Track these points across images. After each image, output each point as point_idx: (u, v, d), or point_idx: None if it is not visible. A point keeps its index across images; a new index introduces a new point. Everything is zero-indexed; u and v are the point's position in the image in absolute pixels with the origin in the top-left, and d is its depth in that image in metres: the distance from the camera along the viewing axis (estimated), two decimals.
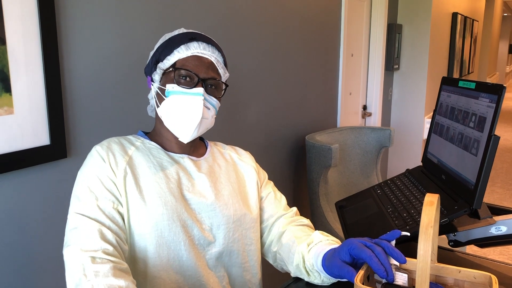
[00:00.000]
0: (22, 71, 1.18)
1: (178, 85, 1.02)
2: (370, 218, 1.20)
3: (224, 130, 1.99)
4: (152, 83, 1.08)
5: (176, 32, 1.08)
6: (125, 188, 0.97)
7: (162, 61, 1.05)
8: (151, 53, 1.10)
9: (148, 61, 1.11)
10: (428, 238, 0.73)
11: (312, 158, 2.44)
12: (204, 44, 1.05)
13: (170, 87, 1.03)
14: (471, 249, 2.96)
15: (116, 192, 0.97)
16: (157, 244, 0.97)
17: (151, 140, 1.10)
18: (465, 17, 5.47)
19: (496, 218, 1.07)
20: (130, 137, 1.09)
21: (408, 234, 0.89)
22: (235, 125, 2.06)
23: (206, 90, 1.03)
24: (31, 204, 1.25)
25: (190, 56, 1.03)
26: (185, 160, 1.08)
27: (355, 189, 2.81)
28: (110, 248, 0.90)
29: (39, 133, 1.24)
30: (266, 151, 2.32)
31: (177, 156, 1.08)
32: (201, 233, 1.02)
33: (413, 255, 0.83)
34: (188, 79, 1.03)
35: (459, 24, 5.09)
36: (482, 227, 1.06)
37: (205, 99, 1.02)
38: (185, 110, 1.01)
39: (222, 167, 1.14)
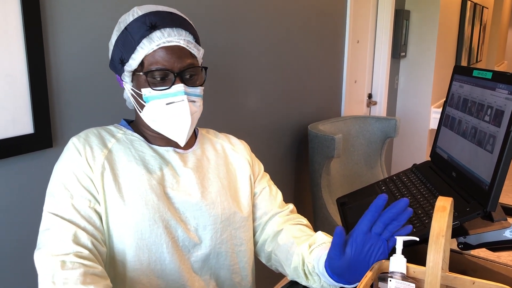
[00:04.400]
0: (1, 52, 1.09)
1: (153, 88, 0.91)
2: None
3: (224, 118, 1.91)
4: (124, 82, 0.97)
5: (130, 18, 0.93)
6: (103, 185, 0.89)
7: (127, 62, 0.92)
8: (111, 47, 0.96)
9: (110, 55, 0.97)
10: (439, 248, 0.65)
11: (315, 148, 2.36)
12: (168, 29, 0.91)
13: (146, 91, 0.91)
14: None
15: (93, 189, 0.89)
16: (137, 247, 0.89)
17: (134, 130, 1.01)
18: (475, 4, 5.32)
19: (511, 220, 0.98)
20: (111, 127, 1.00)
21: (417, 239, 0.81)
22: (235, 113, 1.98)
23: (186, 83, 0.92)
24: (13, 196, 1.18)
25: (157, 50, 0.90)
26: (170, 153, 0.99)
27: (359, 181, 2.74)
28: (84, 251, 0.82)
29: (21, 121, 1.17)
30: (267, 141, 2.24)
31: (161, 149, 0.99)
32: (186, 234, 0.94)
33: (422, 260, 0.75)
34: (163, 77, 0.91)
35: (469, 11, 4.95)
36: (496, 230, 0.97)
37: (188, 94, 0.91)
38: (172, 116, 0.91)
39: (211, 161, 1.04)
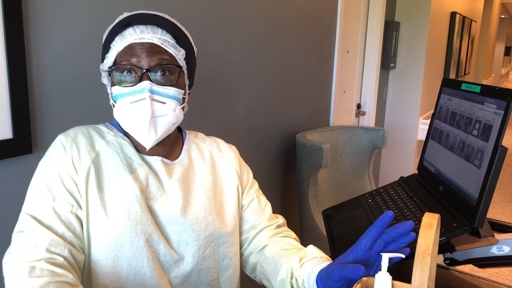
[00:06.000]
0: None
1: (120, 85, 0.88)
2: (359, 231, 1.09)
3: (212, 126, 1.88)
4: (107, 85, 0.95)
5: (116, 21, 0.92)
6: (87, 190, 0.86)
7: (103, 62, 0.91)
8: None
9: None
10: (425, 267, 0.63)
11: (303, 157, 2.34)
12: (141, 26, 0.88)
13: (114, 90, 0.89)
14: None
15: (76, 193, 0.85)
16: (116, 259, 0.85)
17: (125, 134, 0.97)
18: (464, 17, 5.37)
19: (498, 236, 0.97)
20: (102, 127, 0.96)
21: (403, 256, 0.78)
22: (223, 121, 1.95)
23: (156, 81, 0.88)
24: None
25: (127, 46, 0.88)
26: (158, 163, 0.95)
27: (346, 191, 2.72)
28: (58, 259, 0.79)
29: None
30: (254, 149, 2.22)
31: (149, 158, 0.95)
32: (167, 249, 0.90)
33: (407, 277, 0.73)
34: (131, 75, 0.88)
35: (457, 24, 5.00)
36: (483, 247, 0.95)
37: (154, 92, 0.87)
38: (132, 115, 0.87)
39: (197, 171, 1.00)
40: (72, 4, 1.26)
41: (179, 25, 0.95)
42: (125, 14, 0.92)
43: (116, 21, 0.92)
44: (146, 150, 0.93)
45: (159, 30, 0.89)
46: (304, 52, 2.56)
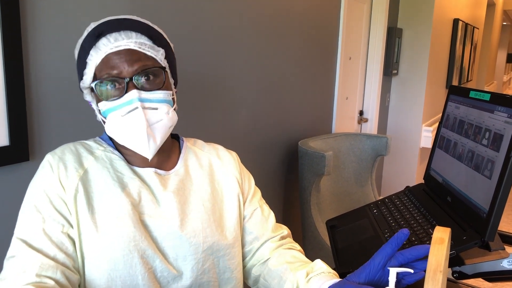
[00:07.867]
0: None
1: (107, 100, 0.84)
2: (364, 242, 1.06)
3: (212, 133, 1.85)
4: (91, 103, 0.91)
5: (85, 33, 0.88)
6: (76, 208, 0.82)
7: (82, 79, 0.87)
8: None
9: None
10: (437, 285, 0.60)
11: (305, 165, 2.31)
12: (114, 34, 0.84)
13: (102, 105, 0.86)
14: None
15: (66, 212, 0.82)
16: (109, 278, 0.82)
17: (116, 147, 0.93)
18: (466, 24, 5.35)
19: (509, 249, 0.93)
20: (91, 142, 0.92)
21: (412, 271, 0.75)
22: (224, 128, 1.92)
23: (143, 87, 0.84)
24: None
25: (104, 58, 0.84)
26: (151, 175, 0.91)
27: (349, 199, 2.69)
28: (49, 282, 0.75)
29: None
30: (256, 156, 2.19)
31: (141, 170, 0.91)
32: (164, 265, 0.86)
33: None
34: (115, 87, 0.84)
35: (460, 31, 4.97)
36: (493, 261, 0.92)
37: (143, 100, 0.83)
38: (128, 128, 0.83)
39: (194, 181, 0.96)
40: (71, 10, 1.23)
41: (152, 24, 0.91)
42: (93, 25, 0.88)
43: (85, 33, 0.87)
44: (149, 161, 0.90)
45: (133, 33, 0.86)
46: (307, 58, 2.54)
